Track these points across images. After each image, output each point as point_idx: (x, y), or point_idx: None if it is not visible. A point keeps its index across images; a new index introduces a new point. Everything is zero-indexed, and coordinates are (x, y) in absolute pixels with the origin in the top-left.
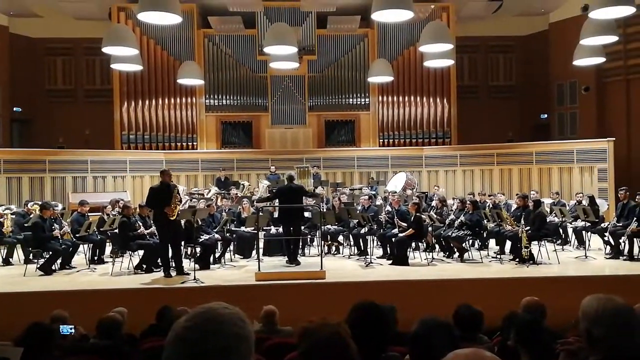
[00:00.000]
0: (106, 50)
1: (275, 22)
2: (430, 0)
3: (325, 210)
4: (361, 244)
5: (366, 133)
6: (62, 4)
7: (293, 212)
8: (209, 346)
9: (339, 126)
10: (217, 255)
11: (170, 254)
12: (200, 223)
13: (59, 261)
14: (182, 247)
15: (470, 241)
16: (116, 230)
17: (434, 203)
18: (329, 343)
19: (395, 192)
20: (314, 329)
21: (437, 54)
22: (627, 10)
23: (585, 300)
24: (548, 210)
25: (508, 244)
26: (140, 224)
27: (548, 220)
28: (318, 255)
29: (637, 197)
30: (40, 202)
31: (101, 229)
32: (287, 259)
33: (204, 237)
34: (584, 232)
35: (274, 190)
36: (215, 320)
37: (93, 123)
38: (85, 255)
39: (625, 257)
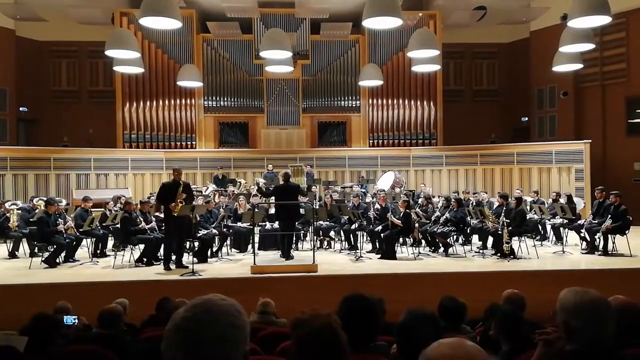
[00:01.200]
0: (109, 53)
1: (271, 28)
2: (418, 9)
3: (317, 207)
4: (351, 239)
5: (357, 134)
6: (67, 8)
7: (290, 209)
8: (205, 335)
9: (331, 127)
10: (214, 249)
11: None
12: (198, 219)
13: (63, 254)
14: (184, 242)
15: (455, 237)
16: (118, 225)
17: (420, 201)
18: (320, 333)
19: (383, 190)
20: (307, 319)
21: (425, 60)
22: (604, 20)
23: (562, 293)
24: (528, 208)
25: (490, 239)
26: (142, 219)
27: (528, 217)
28: (311, 250)
29: (611, 196)
30: (45, 198)
31: (104, 224)
32: (281, 253)
33: (202, 232)
34: (561, 228)
35: (270, 188)
36: (212, 311)
37: (96, 123)
38: (88, 249)
39: (600, 253)
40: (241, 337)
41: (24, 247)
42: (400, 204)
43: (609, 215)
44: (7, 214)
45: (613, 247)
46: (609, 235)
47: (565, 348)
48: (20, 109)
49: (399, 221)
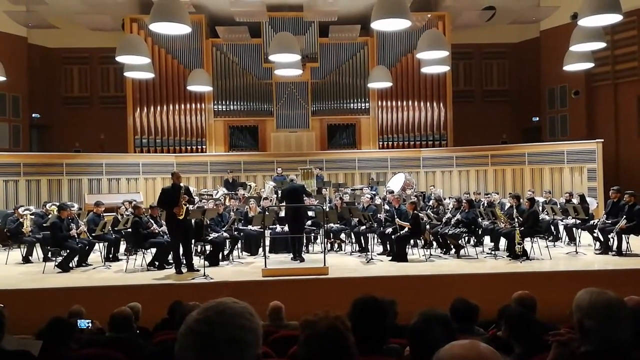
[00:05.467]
0: (120, 59)
1: (280, 32)
2: (427, 10)
3: (328, 209)
4: (362, 241)
5: (366, 136)
6: (77, 15)
7: (296, 210)
8: (218, 337)
9: (341, 130)
10: (225, 252)
11: (181, 252)
12: (209, 222)
13: (76, 259)
14: (192, 245)
15: (466, 238)
16: (130, 230)
17: (431, 202)
18: (325, 335)
19: (393, 192)
20: (315, 321)
21: (434, 61)
22: (615, 18)
23: (579, 293)
24: (540, 208)
25: (502, 240)
26: (152, 222)
27: (540, 218)
28: (321, 252)
29: (626, 196)
30: (58, 203)
31: (116, 229)
32: (292, 255)
33: (213, 235)
34: (574, 229)
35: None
36: (225, 313)
37: (107, 128)
38: (101, 253)
39: (614, 253)
40: (253, 339)
41: (38, 252)
42: (408, 206)
43: (623, 215)
44: (21, 220)
45: (627, 247)
46: (623, 235)
47: (579, 349)
48: (33, 115)
49: (407, 223)
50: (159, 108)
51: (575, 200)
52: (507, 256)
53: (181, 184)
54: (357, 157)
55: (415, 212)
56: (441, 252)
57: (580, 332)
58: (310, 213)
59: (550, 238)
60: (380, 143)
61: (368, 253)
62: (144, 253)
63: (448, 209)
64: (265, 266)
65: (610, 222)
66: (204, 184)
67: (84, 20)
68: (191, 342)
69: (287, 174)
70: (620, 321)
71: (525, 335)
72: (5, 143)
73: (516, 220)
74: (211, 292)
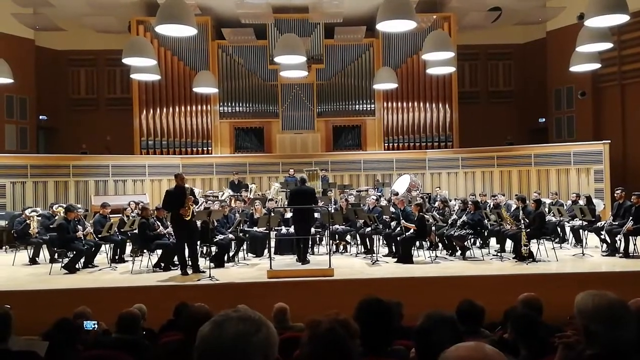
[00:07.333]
0: (126, 61)
1: (285, 33)
2: (433, 11)
3: (333, 211)
4: (368, 243)
5: (372, 137)
6: (84, 18)
7: (304, 212)
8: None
9: (346, 131)
10: (231, 254)
11: (186, 253)
12: (215, 224)
13: (82, 260)
14: (197, 247)
15: (472, 240)
16: (136, 231)
17: (436, 204)
18: (325, 336)
19: (398, 194)
20: (318, 321)
21: (439, 62)
22: (622, 18)
23: (579, 297)
24: (547, 210)
25: (508, 242)
26: (159, 224)
27: (547, 219)
28: (327, 254)
29: (633, 197)
30: (64, 205)
31: (122, 230)
32: (297, 257)
33: (219, 237)
34: (581, 230)
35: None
36: (243, 310)
37: (114, 130)
38: (107, 254)
39: (620, 255)
40: (269, 345)
41: (44, 253)
42: (413, 207)
43: (630, 217)
44: (28, 221)
45: (634, 249)
46: (630, 237)
47: (585, 352)
48: (40, 117)
49: (413, 225)
50: (165, 110)
51: (581, 202)
52: (513, 258)
53: (185, 186)
54: (362, 158)
55: (420, 213)
56: (447, 254)
57: (585, 335)
58: (315, 214)
59: (557, 240)
60: (386, 144)
61: (373, 255)
62: (149, 254)
63: (454, 211)
64: (271, 268)
65: (617, 223)
66: (209, 186)
67: (91, 23)
68: (206, 346)
69: (297, 175)
70: (624, 323)
71: (531, 337)
72: (13, 145)
73: (522, 221)
74: (217, 293)
